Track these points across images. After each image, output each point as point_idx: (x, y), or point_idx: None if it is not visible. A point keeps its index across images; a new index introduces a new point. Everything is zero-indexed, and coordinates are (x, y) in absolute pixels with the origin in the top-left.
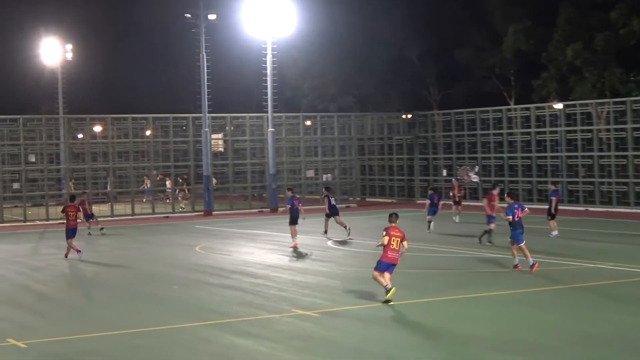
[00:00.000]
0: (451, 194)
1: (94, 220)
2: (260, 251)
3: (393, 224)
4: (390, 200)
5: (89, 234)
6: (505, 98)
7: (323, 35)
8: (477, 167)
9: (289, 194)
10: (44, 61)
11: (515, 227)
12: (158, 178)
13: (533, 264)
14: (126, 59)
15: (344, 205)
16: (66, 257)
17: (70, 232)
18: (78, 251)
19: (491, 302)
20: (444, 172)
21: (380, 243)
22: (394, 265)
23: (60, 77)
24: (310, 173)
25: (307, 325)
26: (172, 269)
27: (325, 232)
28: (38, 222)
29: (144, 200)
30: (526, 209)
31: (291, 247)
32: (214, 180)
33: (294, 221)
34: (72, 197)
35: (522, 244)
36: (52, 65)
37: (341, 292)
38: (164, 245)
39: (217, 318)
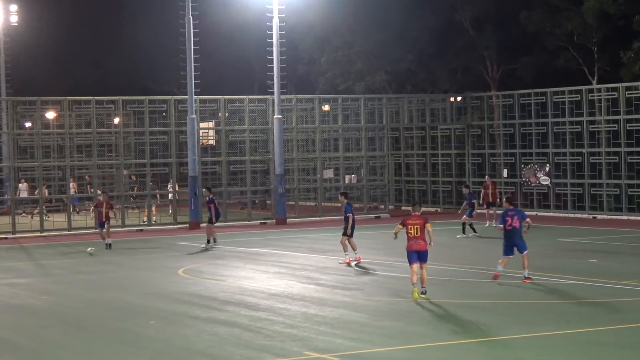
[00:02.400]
0: (482, 193)
1: (106, 229)
2: (262, 276)
3: (415, 213)
4: (434, 209)
5: (109, 246)
6: (585, 75)
7: None
8: (548, 166)
9: (343, 199)
10: None
11: (507, 238)
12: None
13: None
14: (89, 25)
15: (373, 216)
16: None
17: None
18: None
19: (570, 342)
20: (505, 173)
21: (394, 232)
22: (423, 252)
23: (2, 47)
24: (329, 173)
25: None
26: (148, 298)
27: (210, 241)
28: None
29: (76, 211)
30: (528, 219)
31: (343, 262)
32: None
33: (352, 233)
34: None
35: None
36: None
37: (368, 330)
38: (137, 268)
39: None
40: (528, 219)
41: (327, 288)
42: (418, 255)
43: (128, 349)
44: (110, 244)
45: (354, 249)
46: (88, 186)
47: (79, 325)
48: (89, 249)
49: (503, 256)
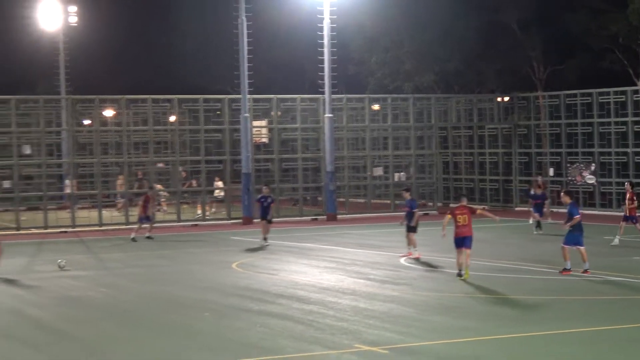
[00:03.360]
0: (532, 192)
1: (150, 224)
2: (314, 270)
3: (462, 204)
4: (481, 207)
5: (133, 239)
6: (630, 76)
7: None
8: (593, 165)
9: (407, 195)
10: (41, 27)
11: (576, 229)
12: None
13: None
14: (145, 26)
15: (422, 213)
16: None
17: None
18: None
19: (617, 339)
20: (551, 172)
21: (444, 222)
22: (468, 237)
23: (62, 47)
24: (378, 171)
25: None
26: (202, 292)
27: (264, 239)
28: (34, 231)
29: (119, 205)
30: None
31: (415, 258)
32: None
33: (414, 229)
34: None
35: (582, 247)
36: (51, 32)
37: (417, 324)
38: (191, 262)
39: (259, 354)
40: None
41: (376, 283)
42: (464, 241)
43: (181, 341)
44: (149, 237)
45: (409, 244)
46: (145, 182)
47: (133, 318)
48: (59, 260)
49: (580, 247)
